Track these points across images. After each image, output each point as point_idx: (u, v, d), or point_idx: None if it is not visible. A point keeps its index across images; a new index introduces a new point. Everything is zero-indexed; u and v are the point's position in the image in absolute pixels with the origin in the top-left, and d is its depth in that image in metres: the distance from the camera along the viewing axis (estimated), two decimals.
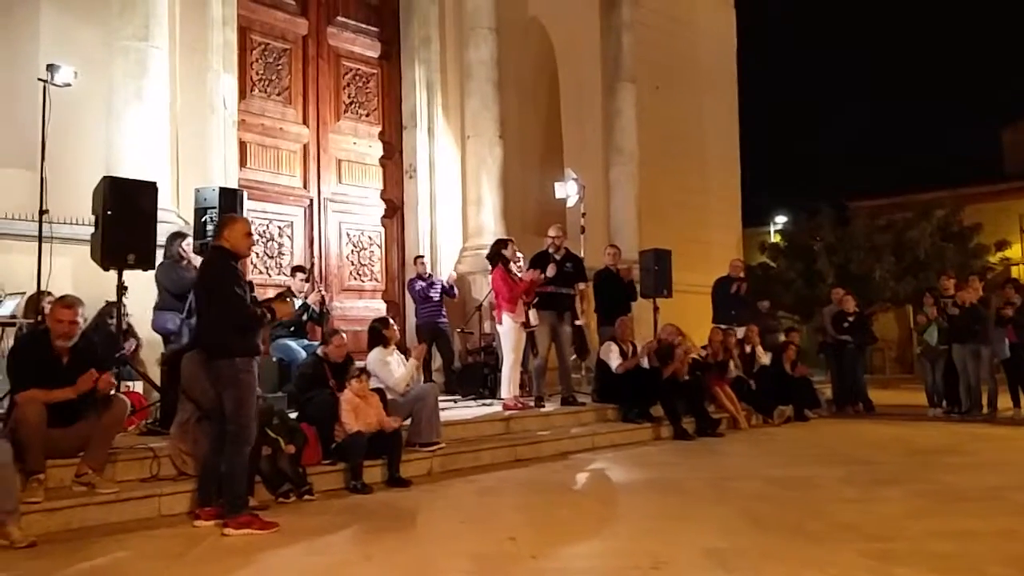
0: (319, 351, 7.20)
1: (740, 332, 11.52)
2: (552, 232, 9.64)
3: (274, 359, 8.10)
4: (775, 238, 28.47)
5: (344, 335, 7.32)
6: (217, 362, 5.21)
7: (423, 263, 11.17)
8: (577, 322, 10.04)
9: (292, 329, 8.57)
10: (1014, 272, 25.64)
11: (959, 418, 10.91)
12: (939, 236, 23.38)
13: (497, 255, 9.19)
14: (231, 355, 5.19)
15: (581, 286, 9.95)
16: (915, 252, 22.86)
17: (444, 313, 10.95)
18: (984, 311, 10.89)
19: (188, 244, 7.53)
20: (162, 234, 7.28)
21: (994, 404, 10.99)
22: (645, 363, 9.64)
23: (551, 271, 9.18)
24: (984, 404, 10.96)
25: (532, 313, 9.11)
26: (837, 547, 4.49)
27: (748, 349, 11.47)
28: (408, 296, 11.50)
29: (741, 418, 10.35)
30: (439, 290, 10.95)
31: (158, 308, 7.54)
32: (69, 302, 5.55)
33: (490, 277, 9.66)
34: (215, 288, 5.27)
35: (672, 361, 9.73)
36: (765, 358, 11.52)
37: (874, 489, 6.22)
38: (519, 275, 9.21)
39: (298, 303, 8.83)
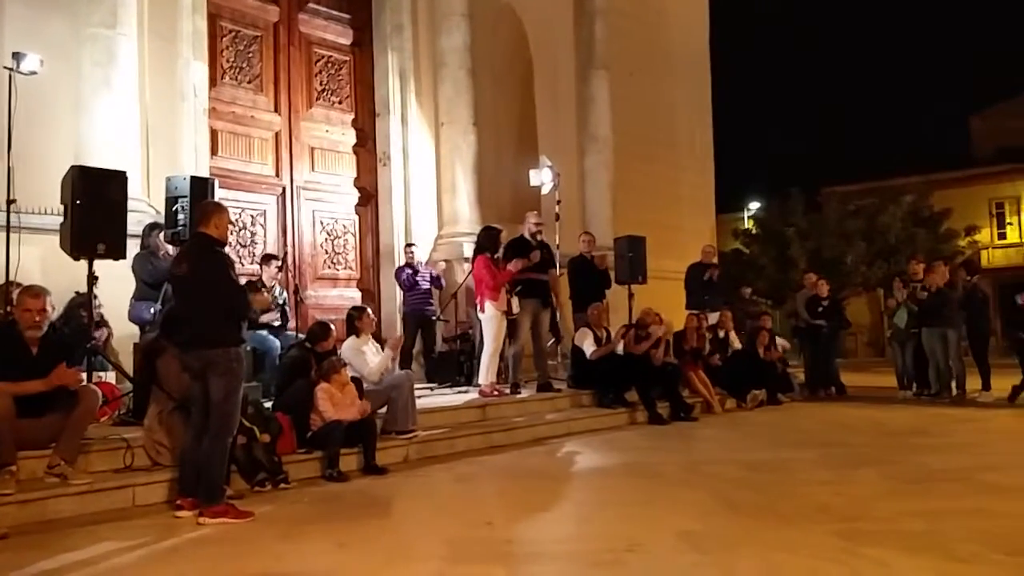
0: (306, 343, 7.15)
1: (713, 318, 11.62)
2: (534, 219, 9.62)
3: (248, 348, 8.06)
4: (748, 224, 28.67)
5: (333, 327, 7.32)
6: (209, 351, 5.15)
7: (412, 252, 11.14)
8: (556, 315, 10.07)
9: (278, 324, 8.58)
10: (983, 256, 26.03)
11: (929, 400, 11.07)
12: (910, 221, 23.66)
13: (487, 243, 9.15)
14: (225, 344, 5.17)
15: (554, 272, 9.97)
16: (886, 237, 23.12)
17: (432, 301, 10.95)
18: (951, 295, 11.03)
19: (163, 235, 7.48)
20: (132, 223, 7.21)
21: (962, 386, 11.14)
22: (620, 349, 9.69)
23: (535, 257, 9.16)
24: (953, 386, 11.13)
25: (514, 301, 9.11)
26: (809, 528, 4.55)
27: (721, 334, 11.57)
28: (384, 284, 11.49)
29: (715, 403, 10.44)
30: (427, 279, 10.94)
31: (135, 298, 7.49)
32: (36, 291, 5.49)
33: (467, 265, 9.63)
34: (213, 277, 5.20)
35: (648, 339, 9.78)
36: (738, 343, 11.63)
37: (846, 471, 6.30)
38: (502, 263, 9.18)
39: (276, 292, 8.81)
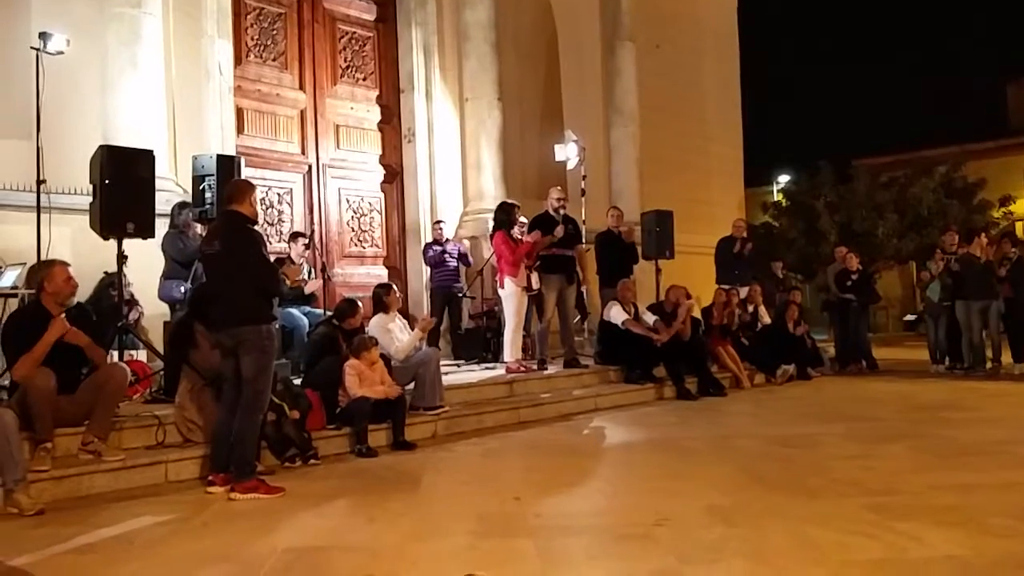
0: (333, 320, 7.18)
1: (743, 292, 11.52)
2: (556, 194, 9.56)
3: (277, 326, 8.10)
4: (778, 197, 28.34)
5: (361, 304, 7.34)
6: (241, 329, 5.18)
7: (440, 229, 11.15)
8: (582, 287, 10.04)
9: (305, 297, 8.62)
10: (1018, 228, 25.53)
11: (962, 374, 10.93)
12: (942, 193, 23.25)
13: (504, 219, 9.14)
14: (258, 322, 5.20)
15: (581, 247, 9.93)
16: (918, 209, 22.75)
17: (459, 278, 10.97)
18: (996, 266, 10.85)
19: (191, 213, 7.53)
20: (161, 202, 7.26)
21: (998, 359, 11.00)
22: (651, 319, 9.63)
23: (559, 231, 9.13)
24: (988, 359, 10.97)
25: (534, 277, 9.10)
26: (839, 502, 4.51)
27: (751, 309, 11.47)
28: (410, 261, 11.49)
29: (744, 377, 10.38)
30: (455, 256, 10.95)
31: (164, 277, 7.55)
32: (63, 261, 5.58)
33: (490, 241, 9.63)
34: (245, 254, 5.23)
35: (675, 321, 9.72)
36: (767, 317, 11.53)
37: (876, 445, 6.25)
38: (521, 238, 9.18)
39: (304, 271, 8.85)
